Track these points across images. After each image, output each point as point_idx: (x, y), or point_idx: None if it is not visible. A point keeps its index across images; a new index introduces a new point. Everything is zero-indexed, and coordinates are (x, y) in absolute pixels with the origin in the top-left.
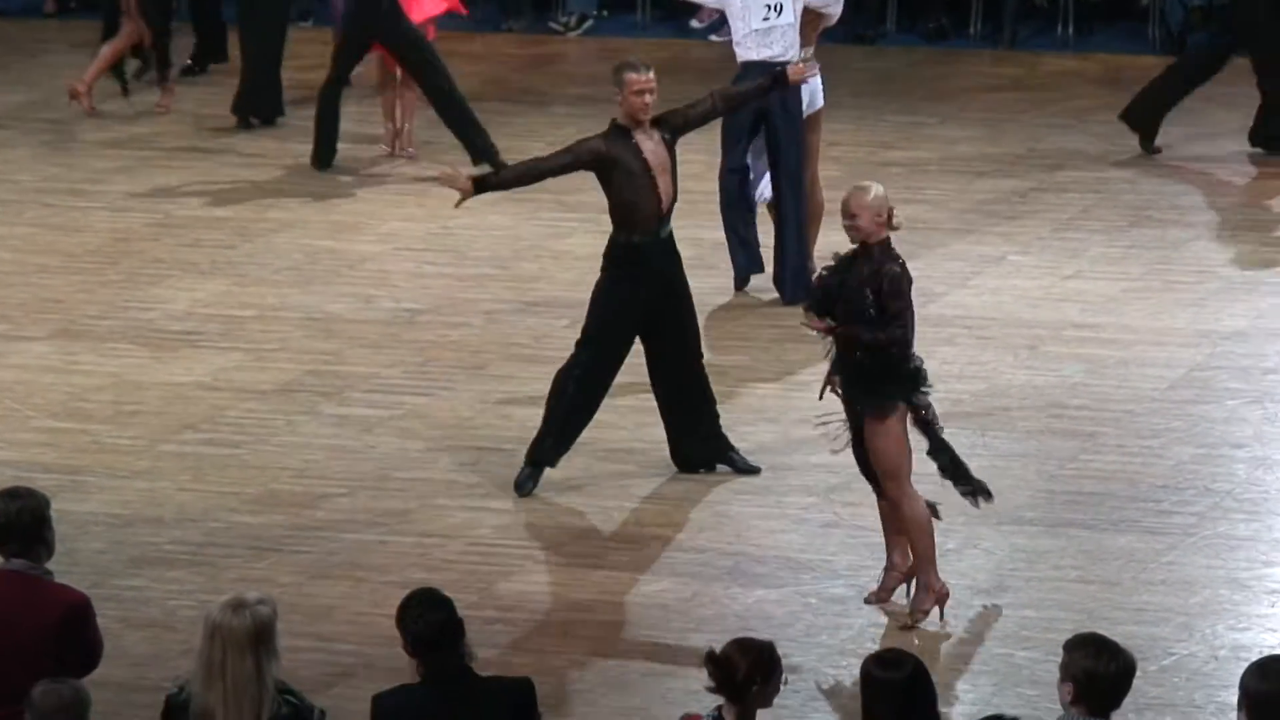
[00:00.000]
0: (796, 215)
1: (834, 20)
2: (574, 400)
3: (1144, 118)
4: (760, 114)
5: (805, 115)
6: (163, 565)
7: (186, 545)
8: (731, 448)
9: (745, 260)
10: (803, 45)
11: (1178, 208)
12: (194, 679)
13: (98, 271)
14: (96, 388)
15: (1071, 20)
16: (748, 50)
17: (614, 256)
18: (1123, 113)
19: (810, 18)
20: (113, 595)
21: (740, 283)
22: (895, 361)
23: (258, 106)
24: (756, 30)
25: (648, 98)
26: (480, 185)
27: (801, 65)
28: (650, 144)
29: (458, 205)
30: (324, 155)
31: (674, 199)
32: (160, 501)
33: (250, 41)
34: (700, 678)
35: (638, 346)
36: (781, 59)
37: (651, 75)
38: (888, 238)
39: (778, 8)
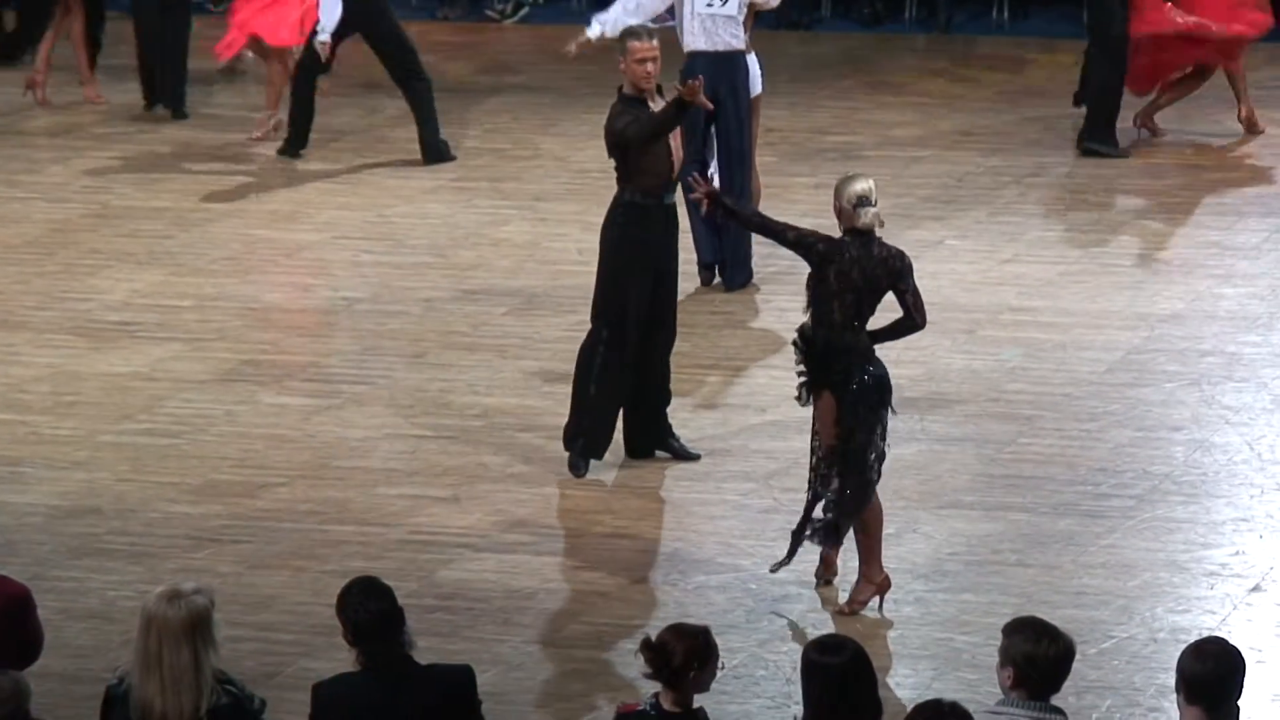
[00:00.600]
0: (743, 198)
1: (770, 6)
2: (602, 380)
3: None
4: (712, 100)
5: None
6: (102, 556)
7: (126, 536)
8: (672, 434)
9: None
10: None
11: (1114, 191)
12: (132, 670)
13: (35, 262)
14: (34, 379)
15: (1006, 5)
16: (694, 38)
17: (630, 215)
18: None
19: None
20: (52, 586)
21: (707, 274)
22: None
23: (175, 96)
24: (700, 15)
25: (650, 65)
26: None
27: (696, 84)
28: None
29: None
30: (296, 143)
31: (682, 163)
32: (99, 492)
33: (168, 30)
34: (639, 664)
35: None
36: (725, 49)
37: (655, 44)
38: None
39: None
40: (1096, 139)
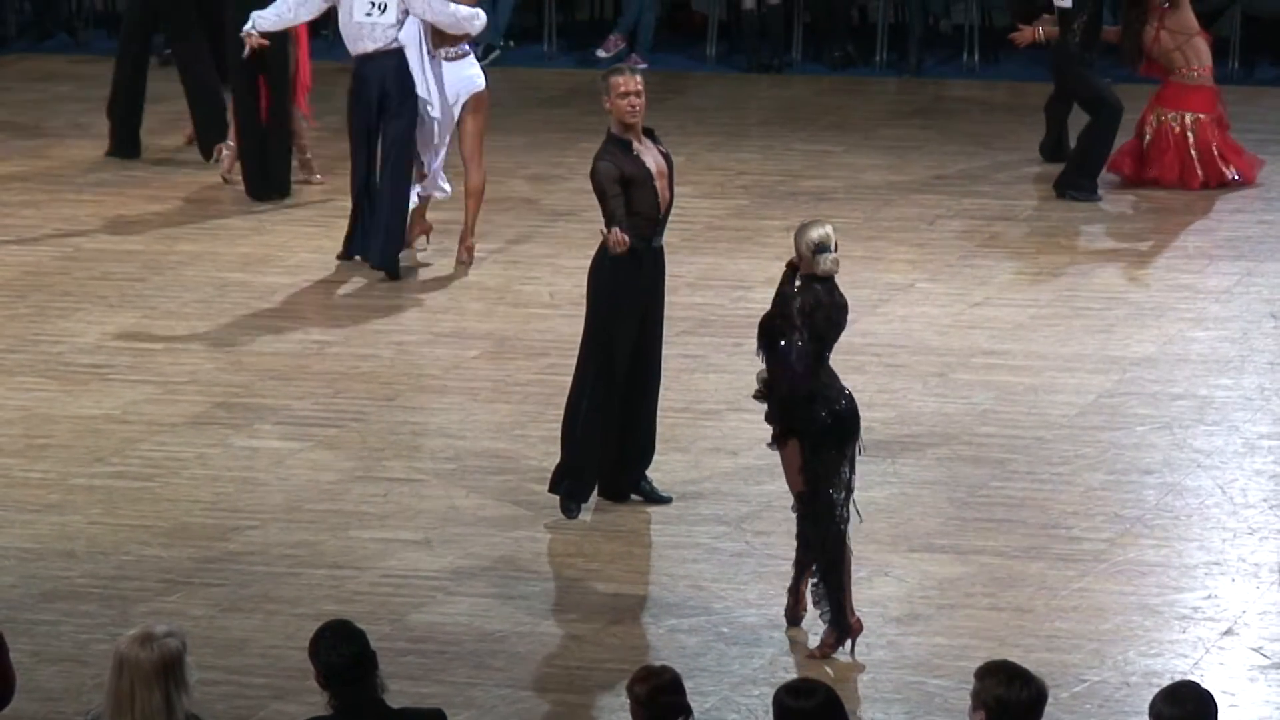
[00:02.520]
0: (394, 181)
1: (465, 33)
2: (589, 423)
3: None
4: (381, 100)
5: (466, 98)
6: (74, 599)
7: (98, 579)
8: (644, 477)
9: (362, 242)
10: (442, 45)
11: (1085, 234)
12: (104, 713)
13: (7, 305)
14: (6, 421)
15: (977, 48)
16: (360, 43)
17: (609, 262)
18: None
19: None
20: (25, 629)
21: (346, 256)
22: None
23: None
24: (358, 23)
25: (633, 99)
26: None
27: (618, 236)
28: (649, 151)
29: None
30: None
31: (670, 205)
32: (71, 535)
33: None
34: (611, 707)
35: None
36: (390, 46)
37: (638, 80)
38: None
39: (381, 6)
40: (1075, 185)
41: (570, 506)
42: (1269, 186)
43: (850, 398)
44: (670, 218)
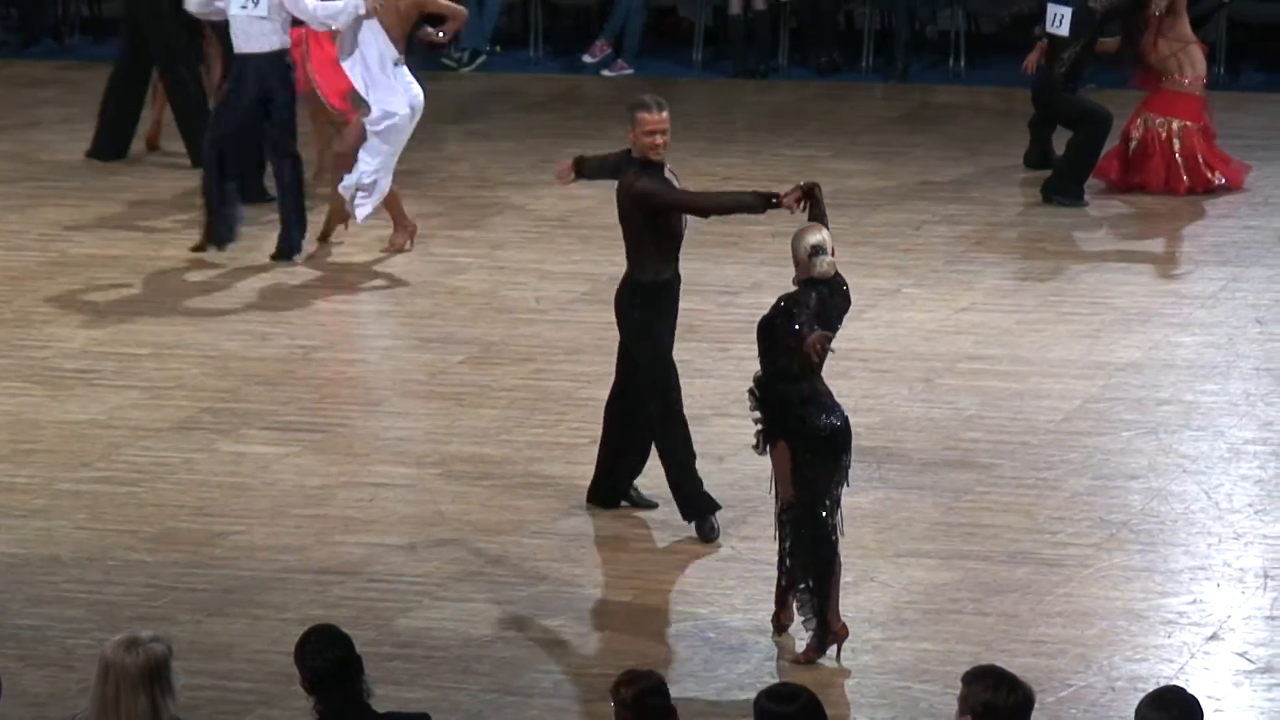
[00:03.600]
0: (293, 179)
1: (335, 24)
2: (679, 449)
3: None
4: (264, 98)
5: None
6: (60, 604)
7: (84, 584)
8: (632, 484)
9: (222, 230)
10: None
11: (1070, 240)
12: (90, 718)
13: None
14: None
15: (963, 53)
16: (243, 41)
17: (649, 296)
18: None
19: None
20: (11, 634)
21: (206, 247)
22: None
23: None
24: (238, 18)
25: (659, 139)
26: (579, 165)
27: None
28: (675, 180)
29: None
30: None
31: (682, 238)
32: (58, 540)
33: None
34: (596, 712)
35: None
36: (270, 50)
37: (665, 115)
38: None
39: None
40: (1062, 191)
41: (710, 530)
42: (1255, 192)
43: (845, 415)
44: None
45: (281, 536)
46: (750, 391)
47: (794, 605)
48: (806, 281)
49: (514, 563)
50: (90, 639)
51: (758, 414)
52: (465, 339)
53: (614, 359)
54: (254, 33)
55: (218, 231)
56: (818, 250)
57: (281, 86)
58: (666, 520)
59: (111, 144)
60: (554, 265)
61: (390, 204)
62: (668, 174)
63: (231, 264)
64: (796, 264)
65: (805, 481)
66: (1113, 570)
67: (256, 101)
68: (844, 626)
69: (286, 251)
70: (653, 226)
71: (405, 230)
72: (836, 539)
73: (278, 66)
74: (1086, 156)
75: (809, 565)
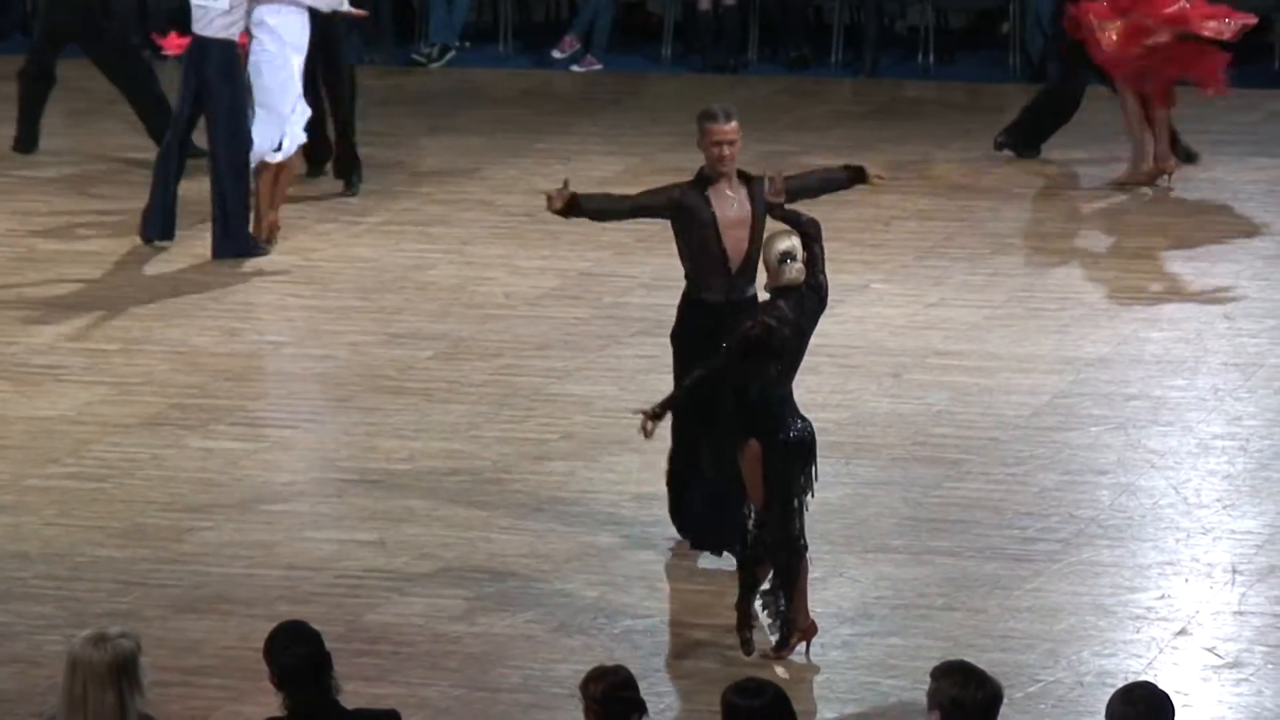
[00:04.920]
0: (232, 168)
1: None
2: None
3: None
4: (200, 88)
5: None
6: (29, 600)
7: (53, 580)
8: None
9: (160, 223)
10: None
11: (1040, 235)
12: (58, 714)
13: None
14: None
15: (932, 48)
16: (201, 26)
17: (682, 311)
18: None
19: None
20: None
21: (146, 240)
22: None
23: None
24: (196, 6)
25: (725, 149)
26: (571, 205)
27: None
28: (728, 197)
29: (554, 210)
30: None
31: (747, 257)
32: (26, 536)
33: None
34: (565, 707)
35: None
36: (223, 37)
37: (733, 125)
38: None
39: None
40: (1015, 138)
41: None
42: (1221, 187)
43: (808, 419)
44: (631, 222)
45: (250, 532)
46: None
47: (759, 610)
48: (776, 291)
49: (483, 558)
50: (59, 635)
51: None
52: (434, 334)
53: (582, 353)
54: (207, 21)
55: (151, 224)
56: (787, 256)
57: (224, 75)
58: (635, 515)
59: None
60: (523, 260)
61: (262, 192)
62: (727, 196)
63: (199, 260)
64: (767, 271)
65: (780, 485)
66: (1081, 565)
67: (196, 88)
68: (813, 624)
69: (230, 250)
70: (678, 242)
71: (267, 224)
72: (803, 546)
73: (225, 53)
74: (1048, 120)
75: (776, 573)
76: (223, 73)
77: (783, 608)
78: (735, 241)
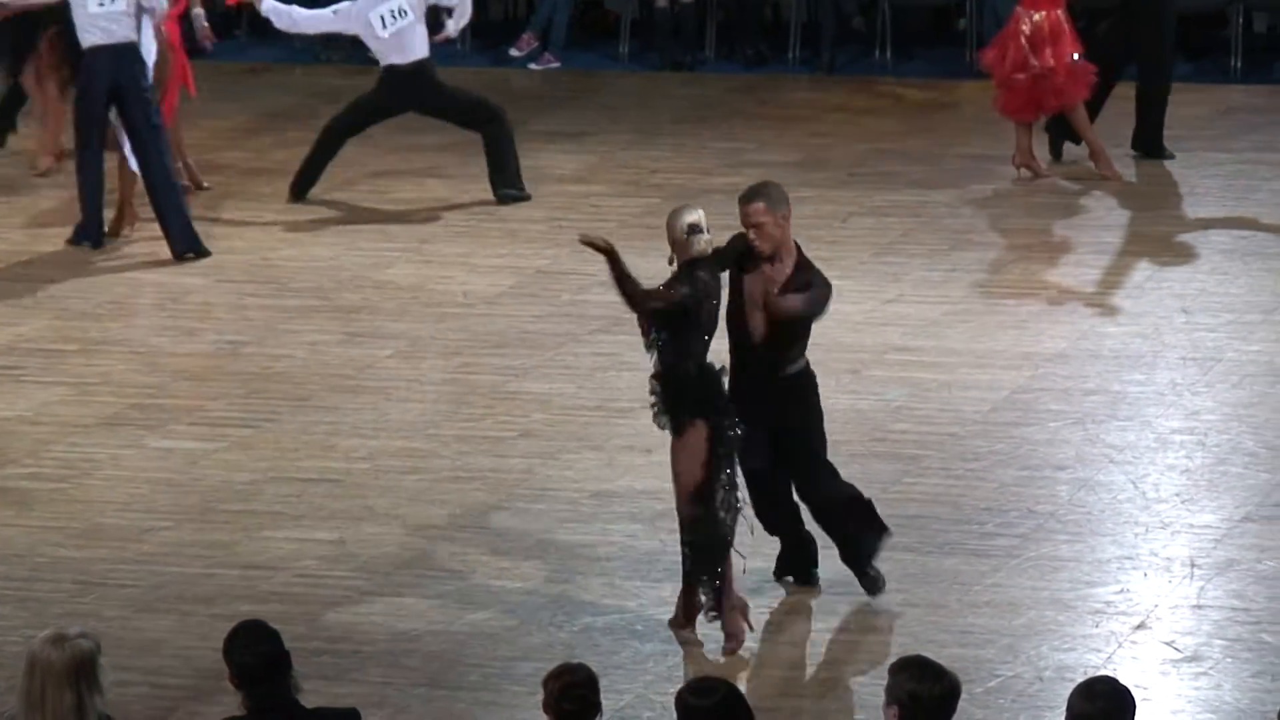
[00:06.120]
0: (166, 176)
1: (156, 16)
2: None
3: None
4: (113, 93)
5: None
6: None
7: (11, 581)
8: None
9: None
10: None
11: (998, 230)
12: (17, 714)
13: None
14: None
15: (890, 45)
16: (91, 35)
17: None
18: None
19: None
20: None
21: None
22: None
23: None
24: (93, 15)
25: (753, 233)
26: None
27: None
28: (764, 277)
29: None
30: (303, 186)
31: (766, 339)
32: None
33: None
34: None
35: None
36: (123, 41)
37: (759, 207)
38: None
39: None
40: (1148, 143)
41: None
42: (1181, 182)
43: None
44: (589, 219)
45: (210, 532)
46: (652, 378)
47: (700, 599)
48: (688, 262)
49: (442, 557)
50: (18, 636)
51: (655, 399)
52: (393, 333)
53: (540, 351)
54: (109, 27)
55: (87, 231)
56: (694, 229)
57: (131, 79)
58: (595, 514)
59: None
60: (481, 259)
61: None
62: (760, 272)
63: (157, 260)
64: (673, 245)
65: (717, 461)
66: (1040, 560)
67: (109, 94)
68: (741, 600)
69: (194, 249)
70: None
71: (129, 218)
72: (731, 539)
73: (129, 59)
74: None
75: (709, 552)
76: (141, 75)
77: (716, 601)
78: (753, 323)
